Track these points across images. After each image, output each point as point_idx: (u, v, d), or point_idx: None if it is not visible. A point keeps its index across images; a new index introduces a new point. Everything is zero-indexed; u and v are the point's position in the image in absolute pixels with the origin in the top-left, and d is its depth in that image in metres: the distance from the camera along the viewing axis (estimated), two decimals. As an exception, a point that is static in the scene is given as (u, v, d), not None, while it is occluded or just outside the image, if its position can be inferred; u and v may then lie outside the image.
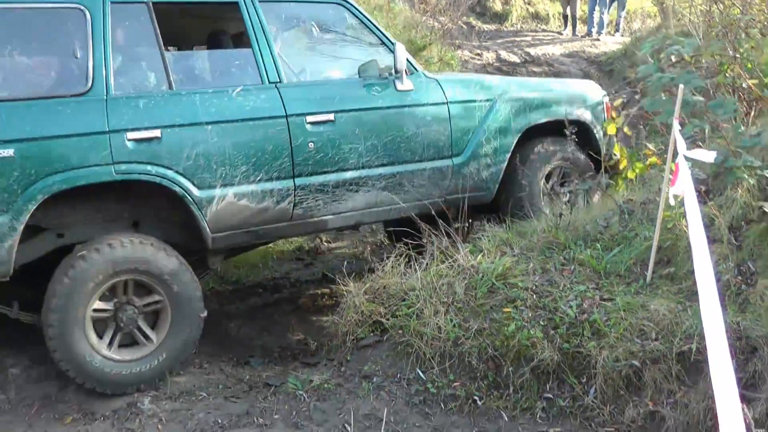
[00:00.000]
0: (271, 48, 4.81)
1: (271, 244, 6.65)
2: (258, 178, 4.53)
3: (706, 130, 5.05)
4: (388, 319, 4.35)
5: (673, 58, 5.80)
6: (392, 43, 5.13)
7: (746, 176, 4.39)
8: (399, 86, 5.08)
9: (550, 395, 3.93)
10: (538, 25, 15.20)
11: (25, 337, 4.56)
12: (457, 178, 5.25)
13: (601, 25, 14.06)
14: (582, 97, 5.98)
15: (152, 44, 4.46)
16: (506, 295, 4.25)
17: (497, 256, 4.61)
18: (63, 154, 3.98)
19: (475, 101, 5.39)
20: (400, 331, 4.25)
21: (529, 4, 14.32)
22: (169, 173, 4.24)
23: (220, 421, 3.93)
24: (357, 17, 5.25)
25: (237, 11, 4.78)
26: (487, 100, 5.44)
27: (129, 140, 4.15)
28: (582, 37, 14.16)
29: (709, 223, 4.30)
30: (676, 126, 3.88)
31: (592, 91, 6.18)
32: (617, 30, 14.51)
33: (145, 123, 4.24)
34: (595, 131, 5.85)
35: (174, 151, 4.27)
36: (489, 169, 5.40)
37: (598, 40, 13.74)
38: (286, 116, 4.66)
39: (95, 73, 4.19)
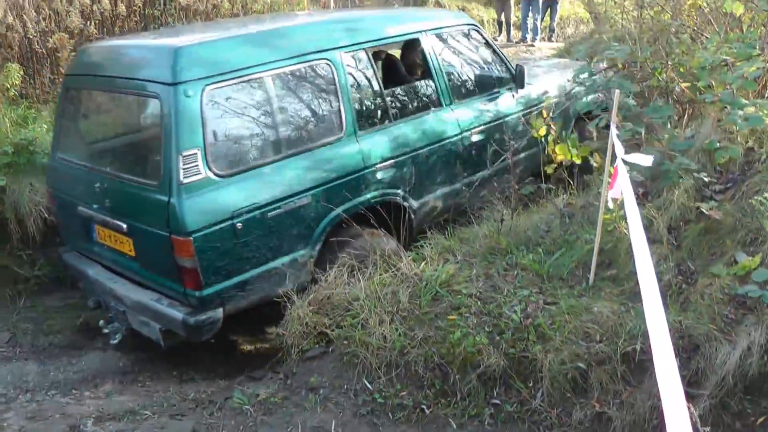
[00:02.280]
0: (444, 74, 5.95)
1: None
2: (444, 184, 5.74)
3: (642, 133, 5.14)
4: (333, 330, 4.30)
5: (602, 65, 5.91)
6: (513, 65, 6.55)
7: (682, 178, 4.47)
8: (515, 96, 6.48)
9: (498, 401, 3.91)
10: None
11: None
12: None
13: (535, 31, 14.27)
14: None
15: (374, 83, 5.41)
16: (451, 303, 4.23)
17: (440, 264, 4.60)
18: (341, 192, 4.91)
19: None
20: (346, 342, 4.19)
21: (463, 9, 14.39)
22: (400, 193, 5.36)
23: (165, 440, 3.84)
24: (483, 37, 6.59)
25: (419, 45, 5.92)
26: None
27: (378, 172, 5.18)
28: (516, 42, 14.35)
29: (648, 225, 4.36)
30: (613, 129, 3.92)
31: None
32: (551, 35, 14.75)
33: (386, 155, 5.25)
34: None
35: (402, 175, 5.37)
36: None
37: (533, 45, 13.94)
38: (461, 132, 5.87)
39: (346, 118, 5.07)
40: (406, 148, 5.40)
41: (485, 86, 6.36)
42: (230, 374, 4.89)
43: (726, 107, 4.76)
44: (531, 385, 3.89)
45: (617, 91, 3.93)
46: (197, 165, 4.29)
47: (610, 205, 4.16)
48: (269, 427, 3.88)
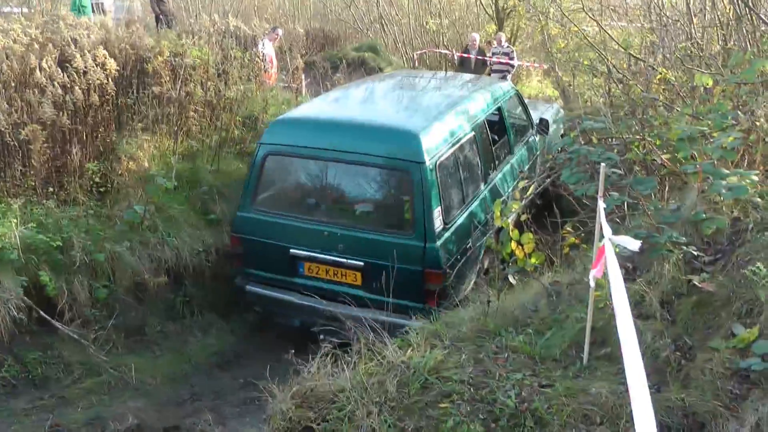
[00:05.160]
0: (511, 130, 8.42)
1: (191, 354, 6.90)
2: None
3: (625, 204, 5.08)
4: (318, 424, 4.05)
5: (581, 140, 5.89)
6: (533, 120, 9.38)
7: (672, 251, 4.37)
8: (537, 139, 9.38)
9: (497, 493, 3.69)
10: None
11: None
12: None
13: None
14: None
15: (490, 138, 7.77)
16: (441, 390, 4.02)
17: (427, 350, 4.40)
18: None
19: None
20: (333, 437, 3.96)
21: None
22: None
23: None
24: (520, 97, 9.37)
25: (501, 113, 8.33)
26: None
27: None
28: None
29: (640, 300, 4.25)
30: (600, 205, 3.81)
31: None
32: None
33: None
34: None
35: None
36: None
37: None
38: (521, 170, 8.28)
39: (482, 166, 7.31)
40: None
41: (524, 134, 8.90)
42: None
43: (709, 177, 4.70)
44: (531, 474, 3.68)
45: (602, 164, 3.85)
46: (440, 218, 6.10)
47: (591, 284, 4.01)
48: None
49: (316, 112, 7.41)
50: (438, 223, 6.02)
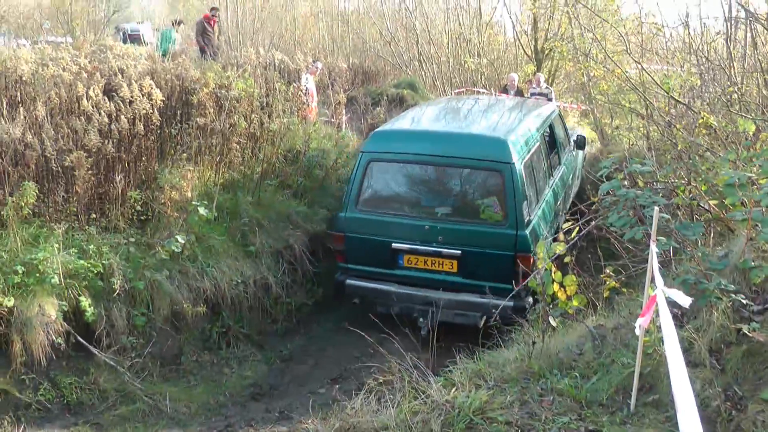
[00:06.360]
0: (559, 143, 9.81)
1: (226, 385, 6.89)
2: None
3: (671, 249, 5.03)
4: (361, 461, 4.04)
5: (626, 182, 5.85)
6: (570, 137, 10.87)
7: (721, 299, 4.31)
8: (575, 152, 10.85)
9: None
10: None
11: None
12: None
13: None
14: None
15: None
16: (486, 431, 3.99)
17: (472, 390, 4.37)
18: (556, 209, 8.77)
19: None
20: (375, 476, 3.93)
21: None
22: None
23: None
24: (561, 118, 10.78)
25: (552, 129, 9.63)
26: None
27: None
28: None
29: (688, 347, 4.18)
30: (653, 250, 3.78)
31: None
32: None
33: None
34: None
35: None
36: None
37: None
38: (569, 182, 9.86)
39: (550, 167, 8.84)
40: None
41: (565, 148, 10.17)
42: None
43: (757, 225, 4.65)
44: None
45: (656, 208, 3.82)
46: (527, 210, 7.15)
47: (636, 331, 3.95)
48: None
49: (408, 125, 8.64)
50: (526, 215, 7.09)
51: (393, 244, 7.44)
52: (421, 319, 7.17)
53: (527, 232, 7.05)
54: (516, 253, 6.88)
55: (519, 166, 7.21)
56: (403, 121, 8.86)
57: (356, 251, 7.68)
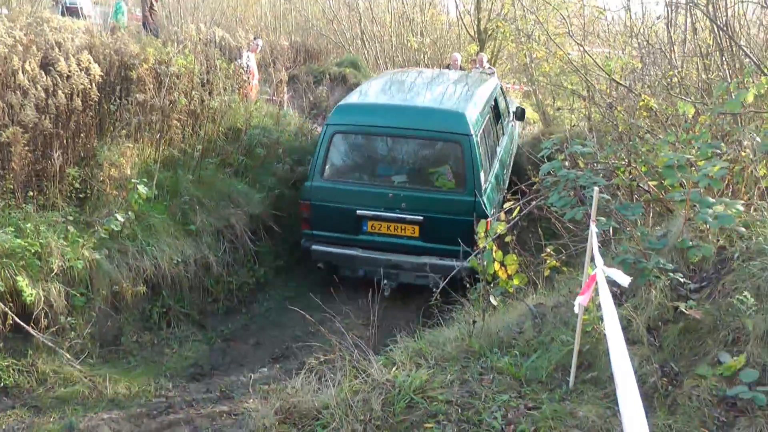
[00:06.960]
0: (502, 114, 10.52)
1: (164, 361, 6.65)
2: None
3: (610, 229, 5.10)
4: (302, 441, 4.02)
5: (567, 163, 5.91)
6: (511, 108, 11.91)
7: (659, 277, 4.38)
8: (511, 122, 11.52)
9: None
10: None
11: None
12: None
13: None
14: None
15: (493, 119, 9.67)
16: (427, 410, 3.99)
17: (412, 369, 4.37)
18: (506, 175, 9.84)
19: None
20: (316, 454, 3.91)
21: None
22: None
23: None
24: (503, 90, 11.47)
25: (496, 101, 10.10)
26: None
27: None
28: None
29: (626, 325, 4.23)
30: (593, 230, 3.81)
31: None
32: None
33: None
34: None
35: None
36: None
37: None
38: (511, 151, 10.78)
39: (502, 137, 10.09)
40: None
41: (507, 120, 10.86)
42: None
43: (695, 206, 4.73)
44: (515, 498, 3.65)
45: (596, 188, 3.85)
46: (485, 178, 7.82)
47: (575, 309, 3.99)
48: None
49: (370, 99, 9.19)
50: (483, 182, 7.69)
51: (357, 211, 7.92)
52: (384, 281, 7.72)
53: (484, 198, 7.67)
54: (475, 218, 7.17)
55: (476, 137, 7.78)
56: (364, 95, 9.35)
57: (322, 219, 8.12)
